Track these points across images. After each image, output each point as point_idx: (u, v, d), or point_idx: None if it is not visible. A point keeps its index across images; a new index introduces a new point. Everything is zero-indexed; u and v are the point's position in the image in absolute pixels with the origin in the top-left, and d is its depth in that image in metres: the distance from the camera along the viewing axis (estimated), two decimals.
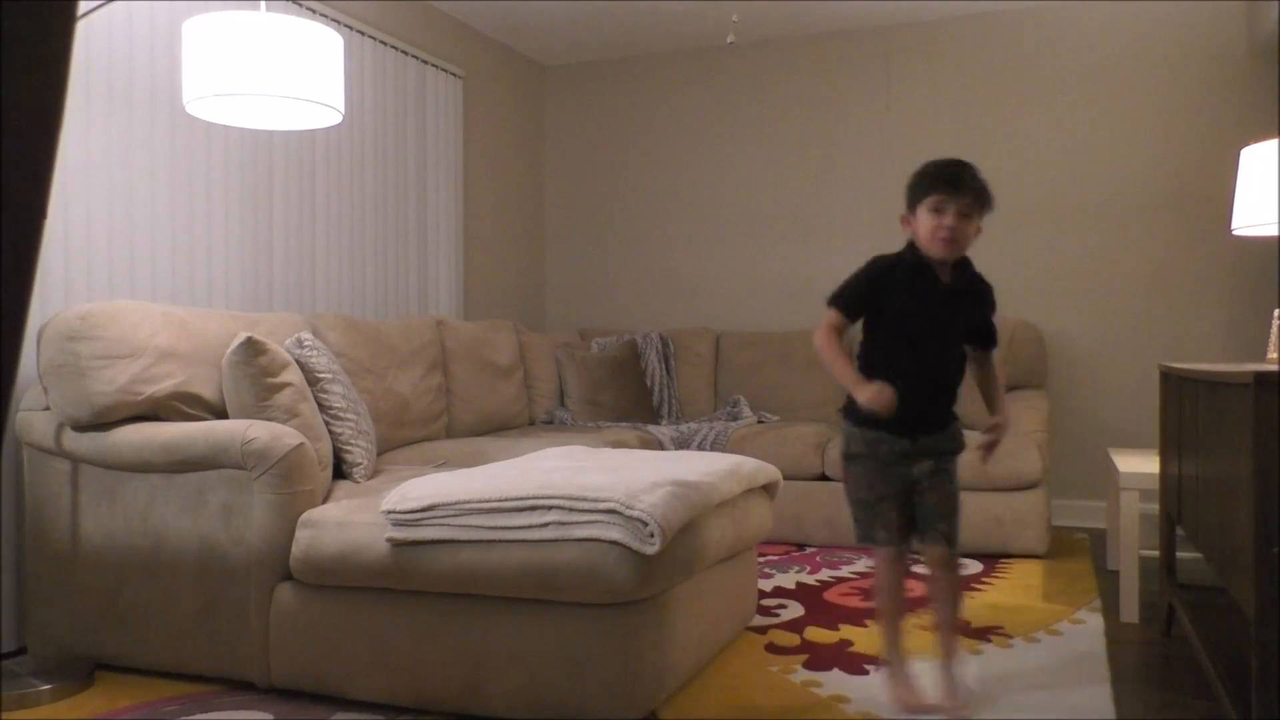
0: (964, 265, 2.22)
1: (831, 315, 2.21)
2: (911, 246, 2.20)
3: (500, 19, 4.86)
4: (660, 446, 4.15)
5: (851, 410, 2.21)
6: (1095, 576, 3.52)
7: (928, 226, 2.14)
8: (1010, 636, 2.80)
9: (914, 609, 2.66)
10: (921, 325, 2.18)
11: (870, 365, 2.19)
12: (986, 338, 2.29)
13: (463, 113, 4.78)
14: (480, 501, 2.16)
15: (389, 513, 2.22)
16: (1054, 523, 4.41)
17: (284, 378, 2.57)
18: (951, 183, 2.14)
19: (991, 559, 3.78)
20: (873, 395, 2.08)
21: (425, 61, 4.47)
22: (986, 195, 2.16)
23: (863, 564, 3.70)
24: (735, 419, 4.58)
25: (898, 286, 2.19)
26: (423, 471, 2.93)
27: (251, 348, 2.51)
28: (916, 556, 2.30)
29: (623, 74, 5.50)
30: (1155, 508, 3.00)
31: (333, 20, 3.84)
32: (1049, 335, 4.63)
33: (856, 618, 2.98)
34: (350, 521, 2.31)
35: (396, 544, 2.21)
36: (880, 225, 4.95)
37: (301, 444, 2.43)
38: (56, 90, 0.71)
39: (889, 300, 2.19)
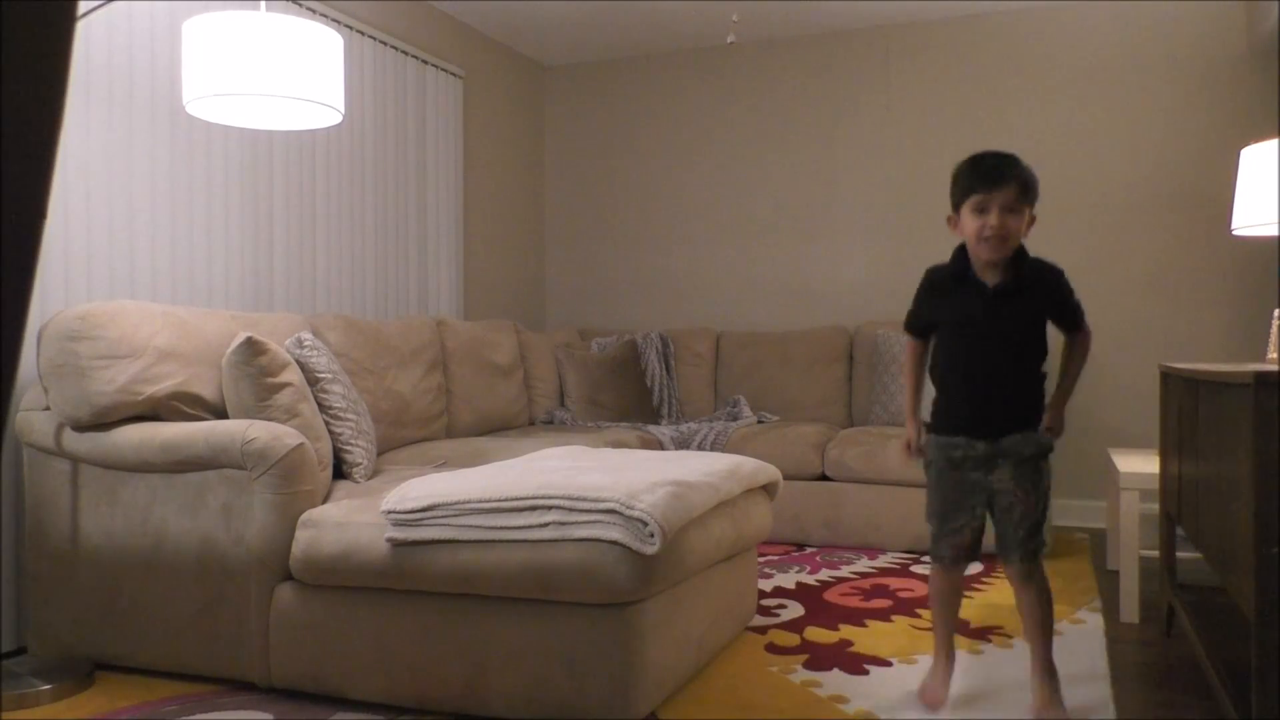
0: (1019, 261, 2.13)
1: (907, 341, 2.31)
2: (960, 251, 2.15)
3: (500, 19, 4.86)
4: (660, 446, 4.15)
5: (932, 417, 2.24)
6: (1095, 576, 3.52)
7: (972, 228, 2.07)
8: (1010, 636, 2.80)
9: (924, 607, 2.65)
10: (970, 331, 2.15)
11: (937, 374, 2.23)
12: (1063, 321, 2.25)
13: (463, 113, 4.78)
14: (480, 501, 2.16)
15: (389, 513, 2.22)
16: (1054, 523, 4.41)
17: (284, 378, 2.57)
18: (991, 178, 2.04)
19: (992, 559, 3.77)
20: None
21: (425, 61, 4.47)
22: (1031, 185, 2.07)
23: (863, 564, 3.70)
24: (735, 419, 4.58)
25: (944, 297, 2.19)
26: (423, 471, 2.93)
27: (251, 348, 2.51)
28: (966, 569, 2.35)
29: (623, 74, 5.50)
30: (1155, 508, 3.00)
31: (333, 20, 3.84)
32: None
33: (856, 618, 2.98)
34: (350, 521, 2.31)
35: (396, 544, 2.21)
36: (880, 225, 4.96)
37: (301, 444, 2.43)
38: (56, 90, 0.71)
39: (939, 312, 2.20)
